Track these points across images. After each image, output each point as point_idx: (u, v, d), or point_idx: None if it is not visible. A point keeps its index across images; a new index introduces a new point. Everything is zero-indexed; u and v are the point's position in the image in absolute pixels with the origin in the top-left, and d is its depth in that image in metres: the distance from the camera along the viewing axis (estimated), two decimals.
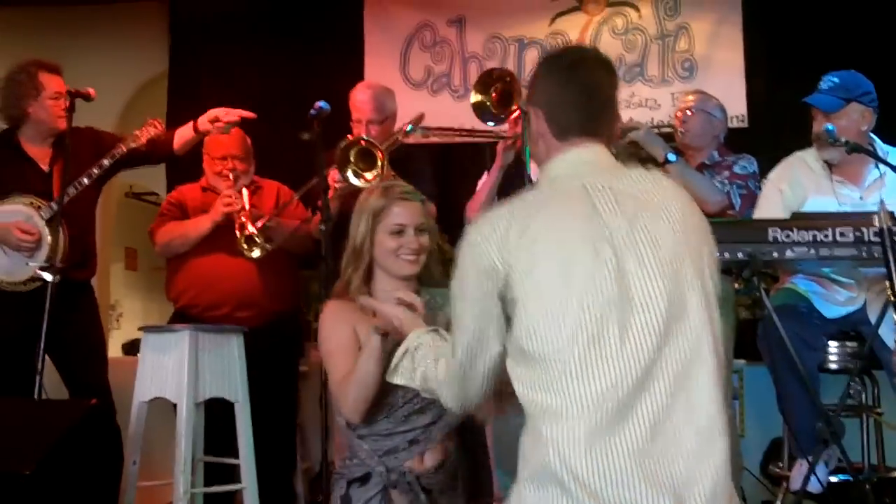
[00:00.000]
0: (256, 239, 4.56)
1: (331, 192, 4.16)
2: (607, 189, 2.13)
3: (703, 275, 2.11)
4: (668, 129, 5.34)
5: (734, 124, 5.98)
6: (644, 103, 6.36)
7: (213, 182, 4.87)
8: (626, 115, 6.31)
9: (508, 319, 2.10)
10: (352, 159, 4.17)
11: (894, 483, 4.13)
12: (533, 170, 4.41)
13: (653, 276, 2.04)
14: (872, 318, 3.84)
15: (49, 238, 4.31)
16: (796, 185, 4.06)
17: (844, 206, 3.94)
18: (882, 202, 3.51)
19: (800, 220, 3.63)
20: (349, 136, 4.34)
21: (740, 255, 3.52)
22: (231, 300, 4.70)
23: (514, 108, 4.19)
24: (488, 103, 4.29)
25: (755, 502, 4.76)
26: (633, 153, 4.26)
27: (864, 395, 4.01)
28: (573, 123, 2.24)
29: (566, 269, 2.02)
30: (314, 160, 4.09)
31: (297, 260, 4.91)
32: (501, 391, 2.29)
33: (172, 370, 4.21)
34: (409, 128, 4.39)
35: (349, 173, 4.16)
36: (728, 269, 3.56)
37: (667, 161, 4.25)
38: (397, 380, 2.47)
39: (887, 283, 3.37)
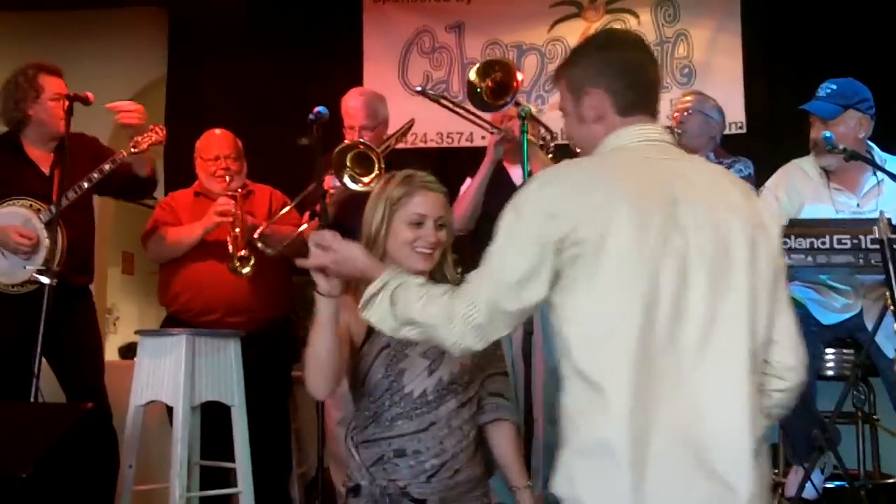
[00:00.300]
0: (247, 259, 4.56)
1: (328, 198, 4.17)
2: (675, 167, 2.18)
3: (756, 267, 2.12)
4: None
5: (732, 130, 6.00)
6: None
7: (207, 184, 4.88)
8: None
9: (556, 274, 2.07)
10: (348, 164, 4.17)
11: (889, 489, 4.14)
12: (514, 175, 4.43)
13: (712, 271, 2.06)
14: (869, 326, 3.84)
15: (47, 241, 4.31)
16: (793, 193, 4.07)
17: (841, 213, 3.95)
18: (882, 212, 3.52)
19: (797, 227, 3.64)
20: (345, 140, 4.34)
21: None
22: (223, 306, 4.69)
23: (504, 102, 4.19)
24: (480, 90, 4.28)
25: None
26: None
27: (861, 403, 4.02)
28: (638, 101, 2.26)
29: (638, 241, 2.02)
30: (313, 165, 4.09)
31: (290, 265, 4.91)
32: None
33: (169, 374, 4.20)
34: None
35: (346, 178, 4.16)
36: None
37: None
38: (369, 315, 2.28)
39: (887, 293, 3.38)
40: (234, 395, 4.31)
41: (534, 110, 4.56)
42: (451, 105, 4.81)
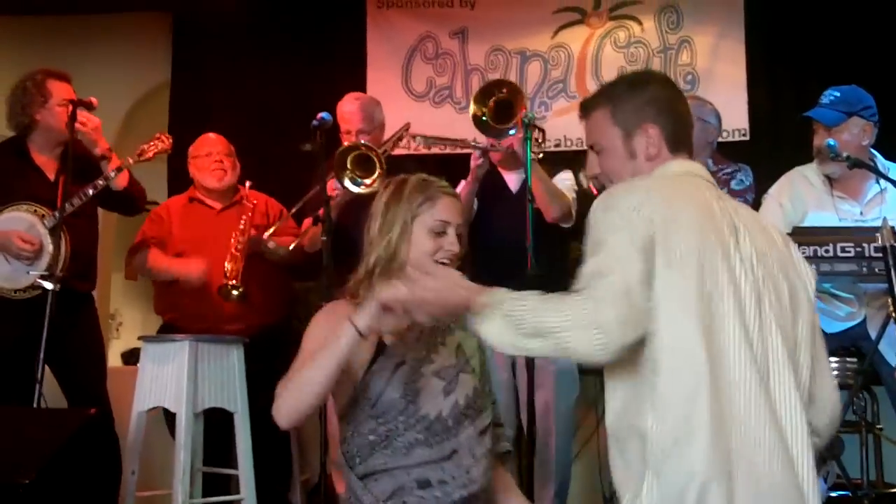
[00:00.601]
0: (238, 287, 4.58)
1: (332, 203, 4.16)
2: (727, 201, 2.21)
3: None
4: None
5: (735, 137, 6.00)
6: None
7: (201, 181, 4.91)
8: None
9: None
10: (349, 165, 4.16)
11: (893, 499, 4.13)
12: (509, 180, 4.42)
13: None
14: (873, 334, 3.84)
15: (50, 247, 4.31)
16: (797, 200, 4.06)
17: (845, 221, 3.95)
18: (885, 219, 3.51)
19: (800, 234, 3.64)
20: (346, 141, 4.33)
21: None
22: (219, 314, 4.69)
23: (516, 121, 4.17)
24: (484, 117, 4.26)
25: None
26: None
27: (864, 412, 4.01)
28: (685, 138, 2.31)
29: (706, 264, 2.03)
30: (316, 171, 4.09)
31: (287, 272, 4.91)
32: None
33: (172, 380, 4.20)
34: (418, 140, 4.39)
35: (347, 180, 4.16)
36: None
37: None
38: (485, 331, 2.04)
39: (889, 301, 3.37)
40: (236, 401, 4.30)
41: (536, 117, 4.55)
42: (445, 142, 4.81)
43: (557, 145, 6.06)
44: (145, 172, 4.99)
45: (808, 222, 3.97)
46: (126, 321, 9.15)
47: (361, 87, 6.17)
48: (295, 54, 6.62)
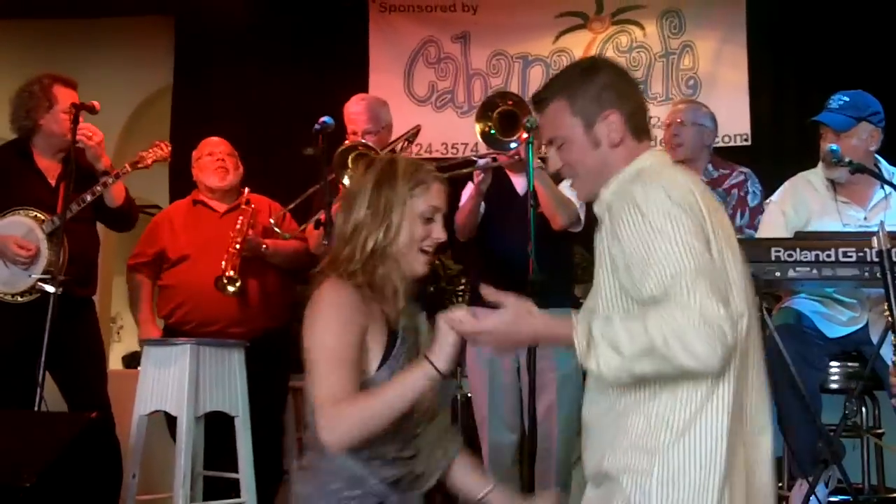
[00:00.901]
0: (234, 279, 4.57)
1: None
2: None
3: None
4: None
5: (738, 143, 6.00)
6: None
7: (204, 181, 4.92)
8: None
9: None
10: (350, 165, 4.16)
11: None
12: (517, 183, 4.41)
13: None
14: (874, 339, 3.83)
15: (47, 252, 4.31)
16: (800, 206, 4.05)
17: (849, 226, 3.94)
18: (882, 223, 3.51)
19: (803, 239, 3.63)
20: (346, 140, 4.33)
21: None
22: (222, 318, 4.69)
23: (518, 130, 4.14)
24: (492, 130, 4.22)
25: None
26: None
27: (865, 416, 4.00)
28: (644, 124, 2.29)
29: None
30: (318, 175, 4.08)
31: (290, 275, 4.91)
32: None
33: (173, 383, 4.20)
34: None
35: (347, 179, 4.15)
36: None
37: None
38: (593, 364, 2.00)
39: (885, 305, 3.37)
40: (237, 405, 4.30)
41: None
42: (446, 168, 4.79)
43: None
44: (147, 176, 5.00)
45: (812, 227, 3.96)
46: (127, 324, 9.15)
47: (363, 92, 6.16)
48: (297, 59, 6.64)
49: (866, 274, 3.51)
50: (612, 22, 6.51)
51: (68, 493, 3.41)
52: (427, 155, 6.00)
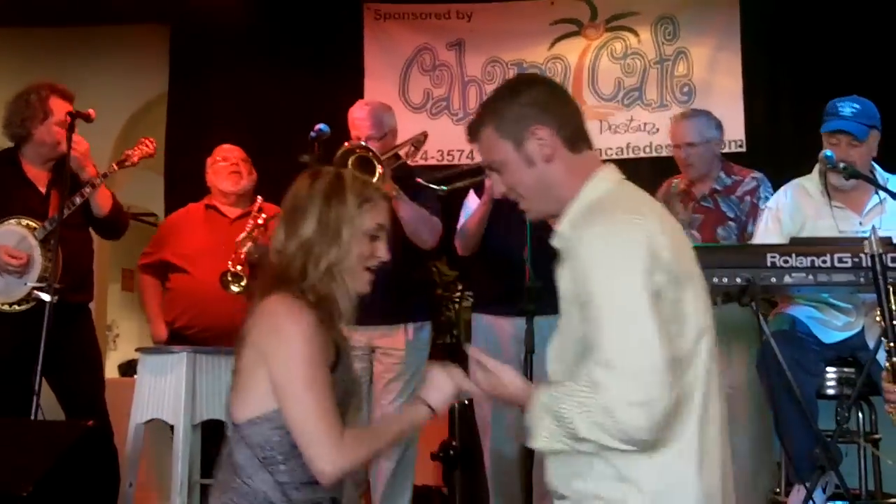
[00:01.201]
0: (239, 277, 4.56)
1: None
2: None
3: None
4: (667, 154, 5.37)
5: (732, 149, 6.01)
6: (643, 127, 6.38)
7: (219, 185, 4.94)
8: (624, 139, 6.35)
9: None
10: (349, 167, 4.15)
11: None
12: None
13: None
14: (870, 344, 3.83)
15: (40, 259, 4.30)
16: (796, 213, 4.06)
17: (844, 232, 3.94)
18: (874, 228, 3.51)
19: (798, 245, 3.64)
20: (346, 143, 4.32)
21: (739, 280, 3.53)
22: (227, 323, 4.67)
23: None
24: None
25: None
26: None
27: (861, 422, 4.01)
28: (579, 132, 2.27)
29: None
30: None
31: None
32: None
33: (170, 392, 4.20)
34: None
35: None
36: (727, 295, 3.57)
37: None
38: (540, 446, 2.11)
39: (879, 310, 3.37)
40: None
41: None
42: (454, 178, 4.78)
43: None
44: (142, 183, 5.01)
45: (808, 233, 3.97)
46: (123, 332, 9.17)
47: (359, 98, 6.16)
48: (292, 67, 6.64)
49: (861, 279, 3.52)
50: (606, 28, 6.53)
51: (66, 502, 3.40)
52: (423, 162, 5.99)
